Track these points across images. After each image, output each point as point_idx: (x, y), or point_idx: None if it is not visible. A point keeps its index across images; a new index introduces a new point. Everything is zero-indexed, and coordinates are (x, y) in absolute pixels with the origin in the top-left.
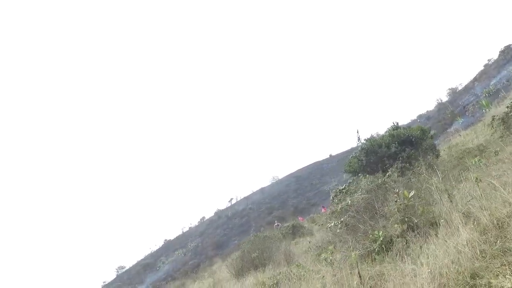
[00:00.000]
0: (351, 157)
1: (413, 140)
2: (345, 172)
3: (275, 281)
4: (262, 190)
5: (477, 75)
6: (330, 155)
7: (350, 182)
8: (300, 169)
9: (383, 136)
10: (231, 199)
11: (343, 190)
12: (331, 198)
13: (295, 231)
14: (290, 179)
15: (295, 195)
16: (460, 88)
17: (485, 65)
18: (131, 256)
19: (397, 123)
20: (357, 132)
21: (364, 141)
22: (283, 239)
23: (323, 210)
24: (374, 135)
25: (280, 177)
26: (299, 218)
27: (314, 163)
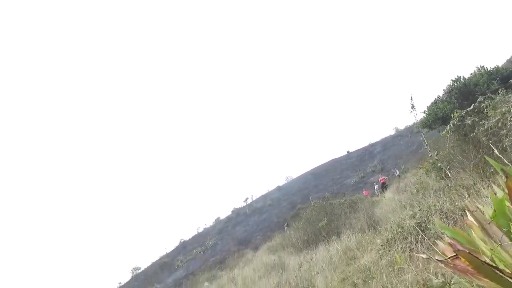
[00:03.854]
0: (434, 103)
1: None
2: (423, 125)
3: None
4: (279, 188)
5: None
6: (348, 152)
7: (480, 101)
8: (317, 166)
9: (475, 75)
10: (247, 198)
11: (480, 108)
12: (454, 121)
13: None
14: (307, 176)
15: (316, 190)
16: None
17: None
18: (146, 257)
19: (483, 65)
20: (411, 99)
21: (454, 81)
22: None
23: (365, 193)
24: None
25: (294, 176)
26: (364, 192)
27: (331, 160)
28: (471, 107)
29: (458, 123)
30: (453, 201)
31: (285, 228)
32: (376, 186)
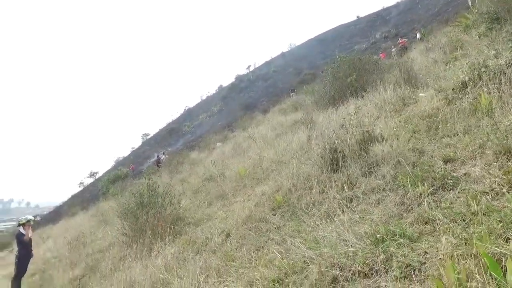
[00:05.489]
0: None
1: None
2: None
3: None
4: (283, 55)
5: None
6: (358, 17)
7: None
8: (323, 33)
9: None
10: (249, 65)
11: None
12: None
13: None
14: (312, 42)
15: (323, 56)
16: None
17: None
18: (154, 125)
19: None
20: None
21: None
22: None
23: (381, 56)
24: None
25: (298, 43)
26: (381, 54)
27: (338, 26)
28: None
29: None
30: None
31: (291, 94)
32: (393, 50)
